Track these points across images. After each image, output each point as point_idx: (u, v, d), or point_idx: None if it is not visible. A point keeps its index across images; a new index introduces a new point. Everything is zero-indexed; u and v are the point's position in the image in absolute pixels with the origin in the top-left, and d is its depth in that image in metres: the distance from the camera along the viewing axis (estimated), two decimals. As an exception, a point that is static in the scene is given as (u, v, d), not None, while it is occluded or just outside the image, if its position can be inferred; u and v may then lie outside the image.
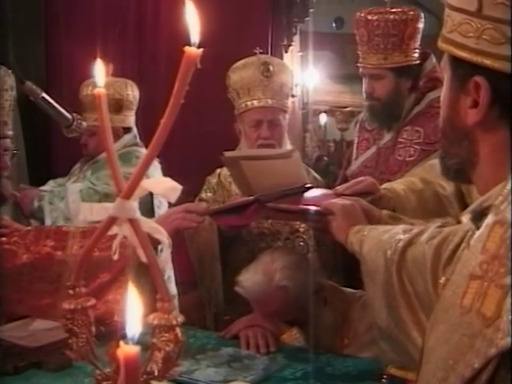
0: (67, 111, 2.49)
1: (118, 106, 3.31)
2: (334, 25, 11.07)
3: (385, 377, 1.94)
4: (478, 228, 1.21)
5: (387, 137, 3.22)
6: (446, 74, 1.31)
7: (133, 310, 0.78)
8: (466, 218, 1.31)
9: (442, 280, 1.36)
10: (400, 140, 3.12)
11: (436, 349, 1.13)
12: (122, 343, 0.74)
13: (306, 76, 6.39)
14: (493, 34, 1.16)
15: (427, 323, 1.35)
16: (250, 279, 2.41)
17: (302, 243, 2.78)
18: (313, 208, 2.23)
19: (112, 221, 1.13)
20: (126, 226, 1.14)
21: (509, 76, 1.15)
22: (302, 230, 2.83)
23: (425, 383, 1.15)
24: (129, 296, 0.79)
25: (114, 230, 1.18)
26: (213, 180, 3.03)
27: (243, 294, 2.43)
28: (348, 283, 2.67)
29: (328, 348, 2.32)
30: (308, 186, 2.54)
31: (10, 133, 2.47)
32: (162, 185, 1.15)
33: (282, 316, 2.47)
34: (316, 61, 6.81)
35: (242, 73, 2.90)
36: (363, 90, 3.21)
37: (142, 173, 1.09)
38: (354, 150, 3.45)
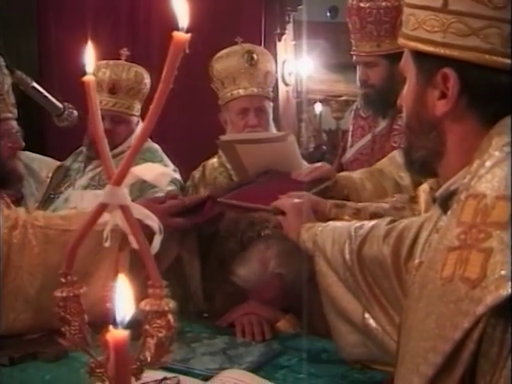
0: (58, 100, 2.49)
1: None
2: (328, 14, 11.06)
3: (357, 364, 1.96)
4: (445, 212, 1.26)
5: (382, 124, 3.23)
6: (408, 71, 1.37)
7: (122, 295, 0.78)
8: (423, 195, 1.37)
9: (416, 262, 1.42)
10: (395, 127, 3.13)
11: (417, 325, 1.15)
12: (111, 328, 0.74)
13: (300, 65, 6.39)
14: (459, 27, 1.23)
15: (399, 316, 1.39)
16: (244, 267, 2.41)
17: None
18: (262, 207, 2.25)
19: (103, 208, 1.13)
20: (117, 213, 1.14)
21: (477, 66, 1.22)
22: None
23: (409, 360, 1.15)
24: (118, 281, 0.79)
25: (106, 216, 1.19)
26: (196, 175, 3.02)
27: (238, 283, 2.44)
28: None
29: (324, 335, 2.32)
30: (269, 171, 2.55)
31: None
32: (152, 171, 1.16)
33: (278, 303, 2.47)
34: (310, 50, 6.80)
35: (226, 62, 2.90)
36: (357, 77, 3.22)
37: (132, 159, 1.08)
38: (349, 138, 3.46)
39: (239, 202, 2.36)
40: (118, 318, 0.75)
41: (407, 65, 1.37)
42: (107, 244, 1.21)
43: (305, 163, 2.96)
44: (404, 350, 1.26)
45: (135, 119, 3.28)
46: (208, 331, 2.39)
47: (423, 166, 1.39)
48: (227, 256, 2.60)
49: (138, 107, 3.29)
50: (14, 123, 2.52)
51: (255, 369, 1.98)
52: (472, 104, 1.26)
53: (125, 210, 1.12)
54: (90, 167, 3.30)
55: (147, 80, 3.28)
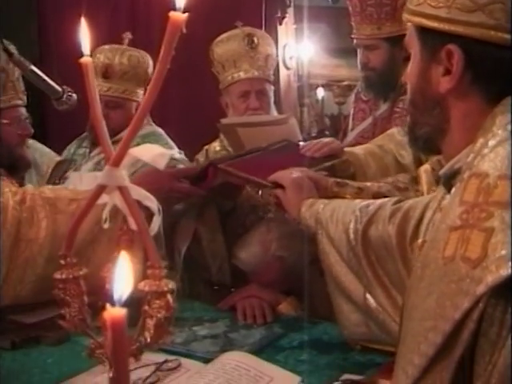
0: (57, 84, 2.48)
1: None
2: (329, -1, 10.98)
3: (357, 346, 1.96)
4: (449, 191, 1.25)
5: (383, 107, 3.22)
6: (413, 47, 1.35)
7: (120, 273, 0.78)
8: (424, 176, 1.37)
9: (419, 241, 1.41)
10: (396, 110, 3.12)
11: (419, 304, 1.15)
12: (108, 306, 0.74)
13: (301, 49, 6.35)
14: (464, 3, 1.21)
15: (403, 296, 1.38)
16: (245, 250, 2.41)
17: None
18: (261, 181, 2.23)
19: (101, 189, 1.12)
20: (115, 194, 1.13)
21: (481, 42, 1.20)
22: None
23: (410, 339, 1.15)
24: (117, 260, 0.79)
25: (105, 198, 1.19)
26: (201, 159, 3.01)
27: (239, 266, 2.44)
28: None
29: (326, 317, 2.32)
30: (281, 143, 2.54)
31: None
32: (150, 152, 1.16)
33: (279, 286, 2.47)
34: (311, 34, 6.76)
35: (226, 46, 2.89)
36: (358, 61, 3.20)
37: (130, 140, 1.08)
38: (350, 121, 3.45)
39: (237, 172, 2.33)
40: (116, 296, 0.75)
41: (412, 41, 1.35)
42: (106, 225, 1.21)
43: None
44: (405, 329, 1.26)
45: (133, 104, 3.25)
46: (209, 314, 2.39)
47: (427, 143, 1.38)
48: (231, 240, 2.60)
49: (136, 91, 3.25)
50: (23, 110, 2.53)
51: (256, 351, 1.99)
52: (476, 81, 1.24)
53: (123, 191, 1.12)
54: (94, 152, 3.29)
55: (145, 64, 3.24)
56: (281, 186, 2.14)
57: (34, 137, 2.61)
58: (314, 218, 1.98)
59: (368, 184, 2.26)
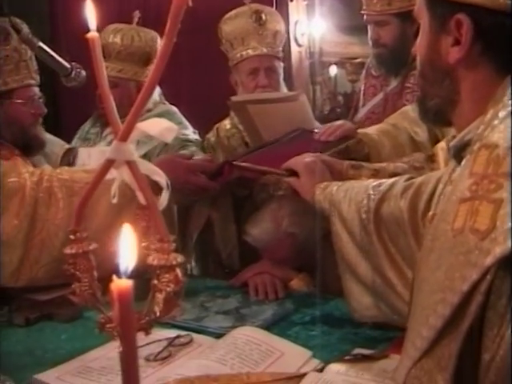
0: (66, 60, 2.48)
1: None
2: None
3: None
4: (459, 163, 1.24)
5: (394, 82, 3.19)
6: (422, 18, 1.33)
7: (126, 244, 0.78)
8: (441, 153, 1.35)
9: (430, 214, 1.40)
10: (407, 85, 3.09)
11: (429, 277, 1.14)
12: (114, 277, 0.74)
13: (313, 26, 6.32)
14: None
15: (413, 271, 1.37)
16: (257, 227, 2.40)
17: None
18: (275, 170, 2.23)
19: (109, 164, 1.12)
20: (123, 169, 1.13)
21: (491, 11, 1.17)
22: None
23: (420, 312, 1.15)
24: (123, 230, 0.79)
25: (113, 173, 1.19)
26: (212, 138, 3.01)
27: (251, 243, 2.44)
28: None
29: (337, 293, 2.32)
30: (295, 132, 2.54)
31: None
32: (157, 126, 1.15)
33: (291, 262, 2.47)
34: (322, 11, 6.71)
35: (234, 23, 2.87)
36: (369, 37, 3.18)
37: (137, 114, 1.07)
38: (361, 97, 3.43)
39: (252, 166, 2.36)
40: (122, 268, 0.75)
41: (421, 11, 1.33)
42: (115, 200, 1.21)
43: (318, 124, 2.94)
44: (415, 302, 1.26)
45: (131, 83, 3.18)
46: (221, 290, 2.41)
47: (437, 115, 1.37)
48: (243, 220, 2.60)
49: (135, 71, 3.20)
50: (37, 89, 2.53)
51: (268, 327, 2.00)
52: (486, 51, 1.22)
53: (131, 165, 1.12)
54: (107, 131, 3.29)
55: (140, 43, 3.18)
56: (295, 173, 2.14)
57: (47, 116, 2.60)
58: (328, 200, 1.97)
59: (383, 165, 2.25)
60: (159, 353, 1.77)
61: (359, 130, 2.56)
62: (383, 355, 1.72)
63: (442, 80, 1.31)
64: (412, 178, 1.88)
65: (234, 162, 2.37)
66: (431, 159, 2.29)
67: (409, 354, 1.17)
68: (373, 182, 1.94)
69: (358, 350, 1.77)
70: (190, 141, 3.03)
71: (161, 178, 1.20)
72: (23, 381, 1.69)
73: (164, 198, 1.21)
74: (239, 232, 2.66)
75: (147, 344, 1.79)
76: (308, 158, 2.17)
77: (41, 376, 1.70)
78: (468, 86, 1.27)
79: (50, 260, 2.17)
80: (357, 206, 1.88)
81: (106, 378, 1.68)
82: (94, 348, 1.85)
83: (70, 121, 4.68)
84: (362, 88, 3.42)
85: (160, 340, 1.83)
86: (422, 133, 2.56)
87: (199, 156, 2.70)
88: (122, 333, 0.77)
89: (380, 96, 3.26)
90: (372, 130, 2.61)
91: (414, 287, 1.32)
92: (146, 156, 2.95)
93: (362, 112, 3.33)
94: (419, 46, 1.36)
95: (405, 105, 3.04)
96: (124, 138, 1.10)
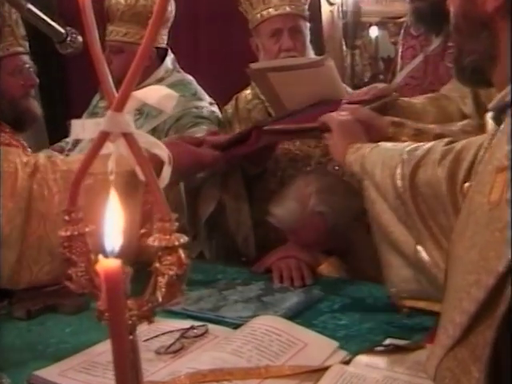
0: (60, 25, 2.47)
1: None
2: None
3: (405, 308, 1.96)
4: (499, 126, 1.22)
5: (436, 42, 3.17)
6: None
7: (112, 220, 0.79)
8: (489, 116, 1.32)
9: (466, 185, 1.37)
10: (450, 44, 3.06)
11: (463, 256, 1.14)
12: (100, 257, 0.75)
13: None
14: None
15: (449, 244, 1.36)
16: (282, 207, 2.40)
17: (336, 167, 2.75)
18: (309, 125, 2.23)
19: (104, 136, 1.13)
20: (120, 142, 1.14)
21: None
22: None
23: (453, 295, 1.15)
24: (108, 205, 0.80)
25: (110, 147, 1.20)
26: (229, 110, 3.02)
27: (275, 224, 2.44)
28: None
29: (370, 279, 2.32)
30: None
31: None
32: (155, 93, 1.15)
33: (319, 245, 2.48)
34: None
35: None
36: (406, -10, 3.16)
37: (133, 81, 1.08)
38: (399, 60, 3.41)
39: (284, 126, 2.38)
40: (108, 247, 0.76)
41: None
42: (112, 177, 1.22)
43: (350, 90, 2.92)
44: (449, 284, 1.25)
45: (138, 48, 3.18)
46: (242, 277, 2.42)
47: (475, 73, 1.35)
48: (265, 197, 2.60)
49: (141, 34, 3.13)
50: (26, 58, 2.52)
51: (292, 316, 2.01)
52: None
53: (128, 138, 1.12)
54: None
55: (146, 2, 3.15)
56: (329, 130, 2.14)
57: (55, 88, 2.61)
58: (360, 162, 1.96)
59: (430, 126, 2.23)
60: (171, 345, 1.79)
61: (402, 98, 2.55)
62: (418, 346, 1.71)
63: (478, 33, 1.28)
64: (452, 141, 1.84)
65: (265, 128, 2.39)
66: (481, 129, 2.27)
67: (441, 341, 1.17)
68: (409, 146, 1.92)
69: (390, 341, 1.77)
70: (204, 117, 3.03)
71: (162, 151, 1.21)
72: (23, 378, 1.70)
73: (166, 173, 1.22)
74: (253, 213, 2.68)
75: (157, 335, 1.81)
76: (344, 115, 2.17)
77: (42, 372, 1.71)
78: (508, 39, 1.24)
79: (50, 259, 2.18)
80: (391, 171, 1.87)
81: (112, 373, 1.69)
82: (100, 342, 1.85)
83: (79, 94, 4.72)
84: (400, 50, 3.40)
85: (172, 331, 1.85)
86: (470, 104, 2.54)
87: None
88: (111, 319, 0.78)
89: (420, 58, 3.24)
90: (417, 98, 2.60)
91: (448, 267, 1.31)
92: (154, 131, 2.97)
93: (400, 76, 3.32)
94: None
95: (448, 67, 3.02)
96: (119, 107, 1.11)
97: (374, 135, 2.10)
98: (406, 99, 2.54)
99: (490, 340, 1.03)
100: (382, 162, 1.91)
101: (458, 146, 1.78)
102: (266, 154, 2.63)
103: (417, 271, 1.85)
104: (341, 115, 2.17)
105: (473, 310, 1.05)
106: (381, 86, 2.53)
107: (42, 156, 2.44)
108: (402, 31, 3.44)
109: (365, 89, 2.49)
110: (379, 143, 2.01)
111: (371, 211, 1.95)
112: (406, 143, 1.98)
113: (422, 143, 1.92)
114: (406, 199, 1.81)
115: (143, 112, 3.07)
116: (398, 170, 1.85)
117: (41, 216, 2.18)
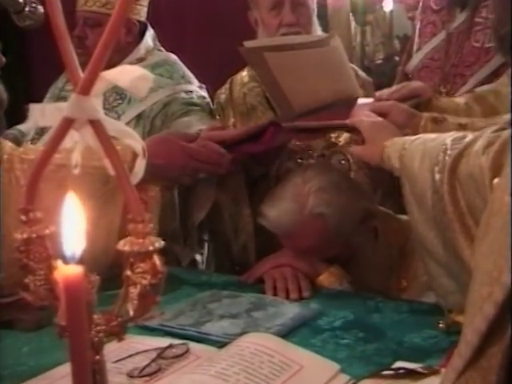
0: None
1: None
2: None
3: (441, 322, 1.96)
4: None
5: (460, 17, 3.15)
6: None
7: (71, 222, 0.80)
8: None
9: (495, 181, 1.37)
10: (477, 20, 3.06)
11: (481, 264, 1.14)
12: (59, 263, 0.76)
13: None
14: None
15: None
16: (276, 207, 2.41)
17: (342, 161, 2.76)
18: (336, 122, 2.25)
19: (68, 124, 1.14)
20: (86, 130, 1.14)
21: None
22: (341, 142, 2.81)
23: (470, 309, 1.16)
24: (66, 203, 0.80)
25: (75, 136, 1.20)
26: (222, 95, 3.03)
27: (268, 227, 2.44)
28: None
29: (380, 291, 2.33)
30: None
31: None
32: (128, 74, 1.16)
33: (319, 252, 2.48)
34: None
35: None
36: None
37: (101, 59, 1.09)
38: (416, 39, 3.39)
39: (308, 124, 2.42)
40: (67, 252, 0.77)
41: None
42: (76, 171, 1.22)
43: (362, 73, 2.93)
44: (468, 297, 1.25)
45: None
46: (230, 288, 2.43)
47: None
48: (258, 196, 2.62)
49: (136, 9, 3.22)
50: None
51: (286, 334, 2.01)
52: None
53: (96, 125, 1.12)
54: None
55: None
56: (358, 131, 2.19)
57: (15, 68, 2.62)
58: (399, 154, 1.99)
59: (475, 119, 2.25)
60: (146, 367, 1.79)
61: (444, 98, 2.57)
62: (433, 370, 1.71)
63: None
64: (503, 128, 1.82)
65: (284, 124, 2.42)
66: None
67: (453, 363, 1.17)
68: (455, 134, 1.93)
69: (400, 364, 1.78)
70: (195, 103, 3.05)
71: (135, 141, 1.21)
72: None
73: (139, 168, 1.22)
74: (255, 218, 2.66)
75: (130, 356, 1.82)
76: (376, 117, 2.23)
77: (-8, 400, 1.71)
78: None
79: (7, 265, 2.18)
80: (431, 162, 1.88)
81: (77, 399, 1.70)
82: (63, 363, 1.80)
83: (41, 75, 4.72)
84: (418, 27, 3.38)
85: (147, 350, 1.86)
86: None
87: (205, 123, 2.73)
88: (70, 332, 0.79)
89: (441, 36, 3.23)
90: (463, 97, 2.63)
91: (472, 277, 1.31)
92: (139, 118, 2.98)
93: (417, 58, 3.30)
94: None
95: (474, 47, 3.02)
96: (85, 90, 1.11)
97: (411, 135, 2.12)
98: (445, 99, 2.55)
99: (504, 363, 1.03)
100: (422, 152, 1.93)
101: (505, 133, 1.75)
102: (275, 152, 2.65)
103: (458, 281, 1.86)
104: (370, 116, 2.21)
105: (483, 329, 1.05)
106: (415, 84, 2.54)
107: (7, 144, 2.44)
108: (421, 5, 3.43)
109: (394, 88, 2.51)
110: (421, 135, 2.05)
111: (409, 214, 2.00)
112: (452, 132, 1.99)
113: (471, 132, 1.93)
114: (443, 194, 1.82)
115: (125, 96, 3.08)
116: (439, 161, 1.86)
117: (4, 212, 2.18)
